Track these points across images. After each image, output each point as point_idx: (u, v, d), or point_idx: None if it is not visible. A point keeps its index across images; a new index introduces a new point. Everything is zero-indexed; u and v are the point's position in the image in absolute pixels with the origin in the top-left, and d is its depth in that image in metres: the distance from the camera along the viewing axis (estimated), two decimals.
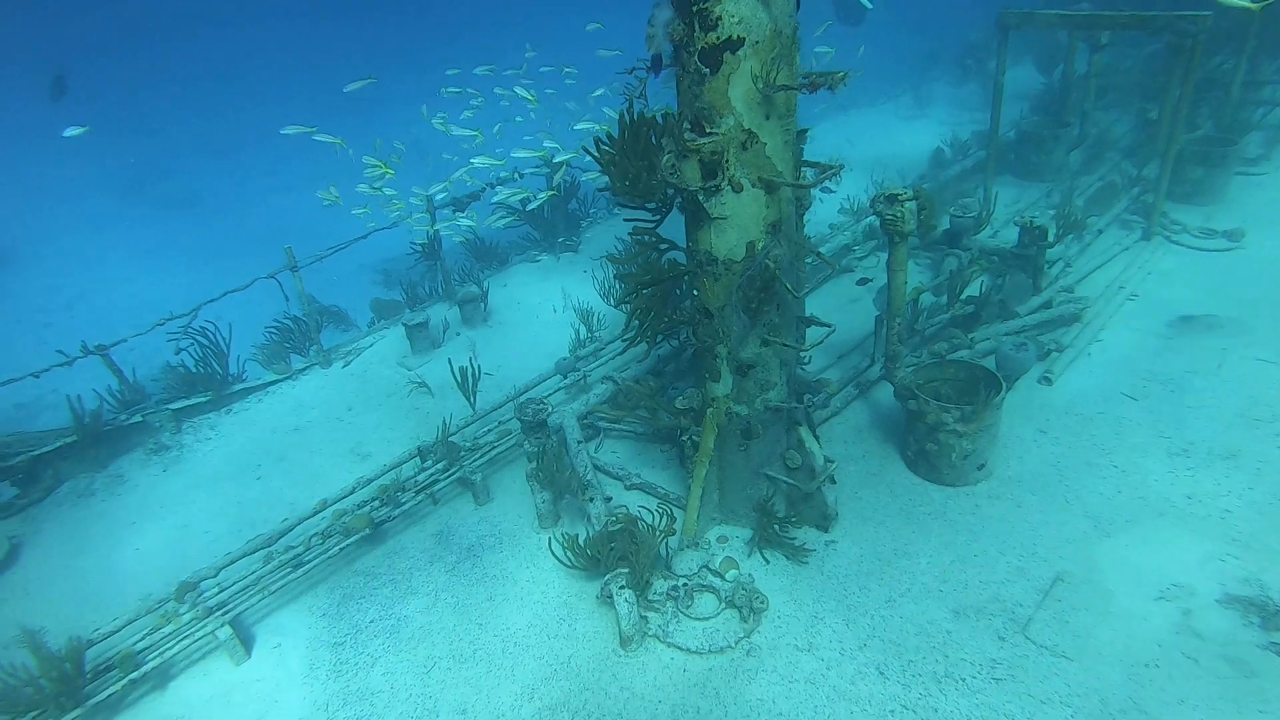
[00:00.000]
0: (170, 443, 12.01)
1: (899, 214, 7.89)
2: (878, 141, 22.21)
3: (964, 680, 6.46)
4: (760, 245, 6.68)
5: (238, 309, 13.23)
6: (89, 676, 7.60)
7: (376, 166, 12.13)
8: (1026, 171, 16.67)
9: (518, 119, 15.03)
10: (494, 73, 13.68)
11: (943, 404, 8.19)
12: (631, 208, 7.15)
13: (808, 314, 7.70)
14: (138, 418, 11.96)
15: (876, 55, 23.61)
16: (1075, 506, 8.08)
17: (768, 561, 7.86)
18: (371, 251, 17.63)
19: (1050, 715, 6.08)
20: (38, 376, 11.21)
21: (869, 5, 19.31)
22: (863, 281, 11.70)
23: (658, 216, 7.26)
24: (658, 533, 7.40)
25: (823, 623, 7.16)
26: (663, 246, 7.28)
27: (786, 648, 6.98)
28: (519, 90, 13.34)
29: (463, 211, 14.42)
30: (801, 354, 7.93)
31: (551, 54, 15.97)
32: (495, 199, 14.27)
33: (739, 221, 6.61)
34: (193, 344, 12.37)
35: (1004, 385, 8.31)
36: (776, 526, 7.82)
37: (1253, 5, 9.07)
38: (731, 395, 7.50)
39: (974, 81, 25.90)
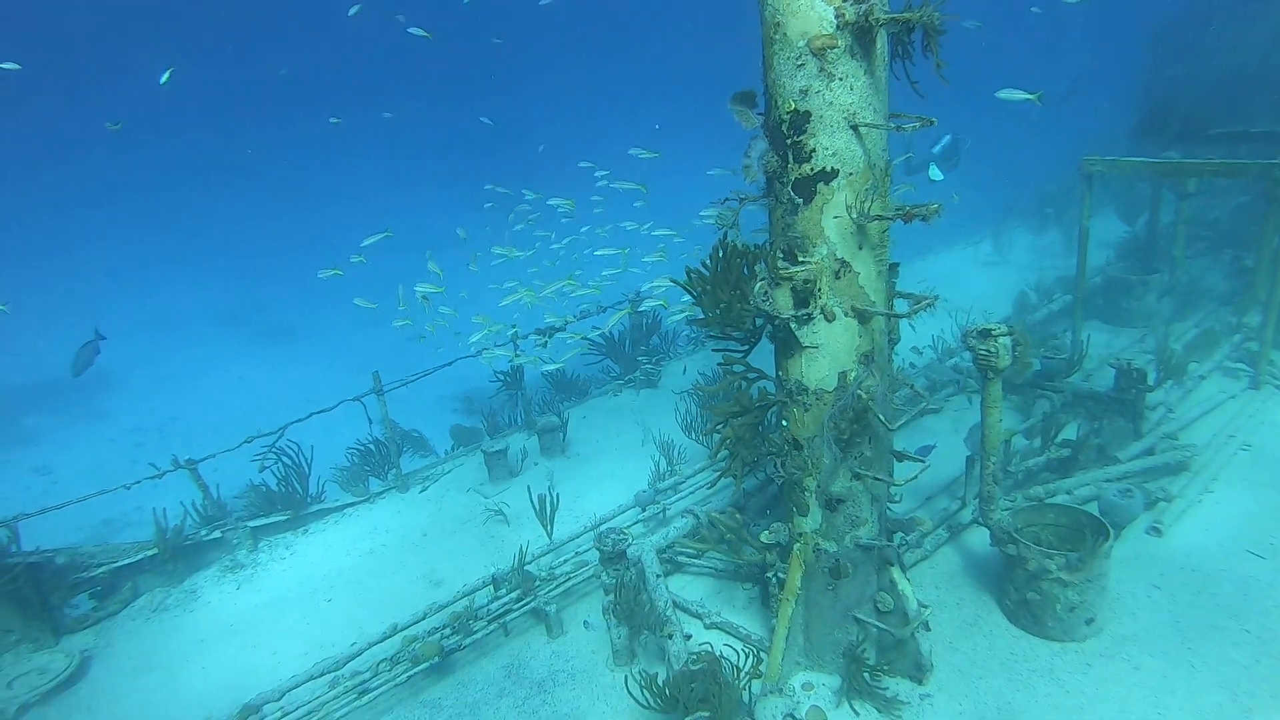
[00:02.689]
0: (246, 561, 12.06)
1: (993, 349, 7.67)
2: (959, 287, 22.07)
3: None
4: (853, 375, 6.53)
5: (321, 432, 13.44)
6: None
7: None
8: (1116, 318, 16.29)
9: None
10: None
11: (1045, 550, 7.71)
12: (720, 338, 7.11)
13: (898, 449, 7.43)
14: (217, 534, 12.09)
15: (953, 202, 23.86)
16: (1205, 674, 7.31)
17: (857, 714, 7.31)
18: (454, 380, 18.00)
19: None
20: (129, 488, 11.49)
21: (941, 176, 19.73)
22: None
23: (747, 346, 7.19)
24: (742, 674, 6.98)
25: None
26: (752, 375, 7.17)
27: None
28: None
29: (545, 344, 14.65)
30: (892, 490, 7.60)
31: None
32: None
33: (831, 351, 6.49)
34: (276, 463, 12.59)
35: (1112, 532, 7.80)
36: (867, 675, 7.32)
37: (1032, 96, 9.78)
38: (820, 531, 7.19)
39: (1054, 230, 25.81)
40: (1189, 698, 7.06)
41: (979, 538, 9.56)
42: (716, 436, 7.35)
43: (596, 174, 13.37)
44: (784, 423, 7.02)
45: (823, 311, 6.34)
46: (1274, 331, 12.49)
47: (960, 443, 11.83)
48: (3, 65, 19.39)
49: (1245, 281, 14.77)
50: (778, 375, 6.98)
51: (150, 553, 11.57)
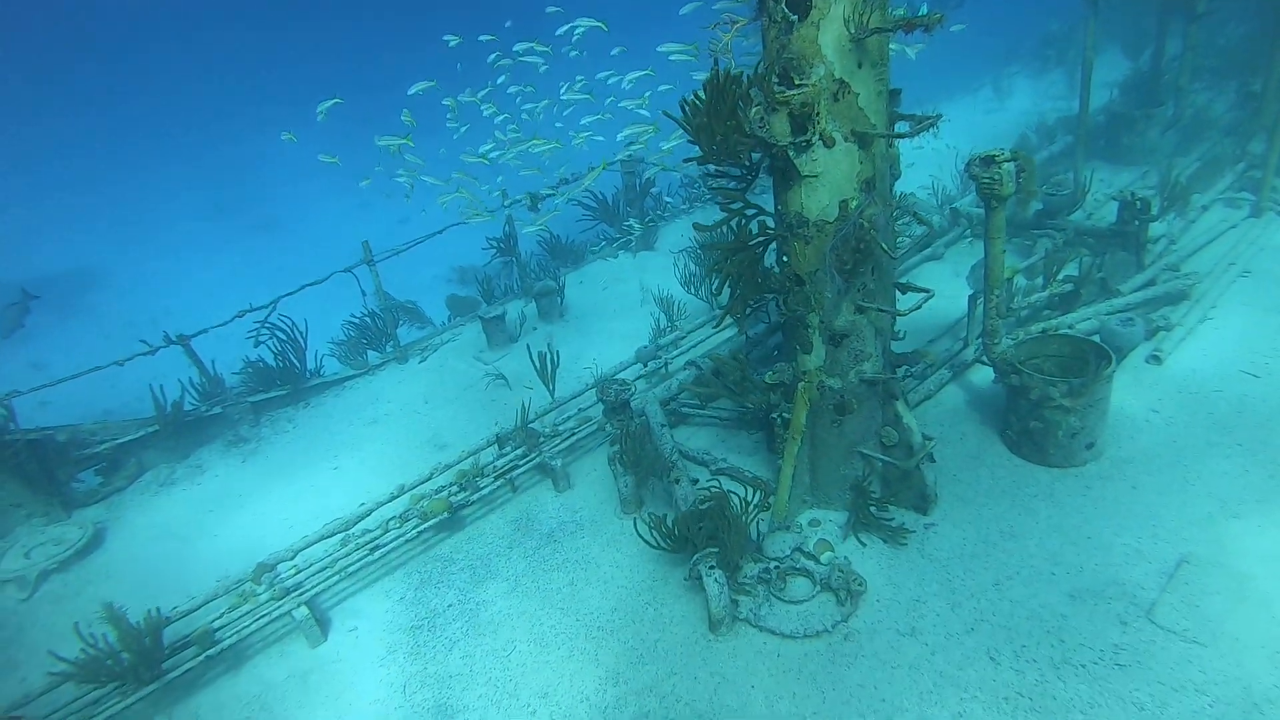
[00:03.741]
0: (249, 435, 12.12)
1: (997, 176, 7.42)
2: (958, 134, 21.52)
3: (1084, 666, 5.95)
4: (854, 204, 6.33)
5: (315, 307, 13.28)
6: (167, 652, 7.58)
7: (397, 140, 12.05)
8: (1118, 155, 15.93)
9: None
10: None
11: (1048, 377, 7.69)
12: (717, 175, 6.87)
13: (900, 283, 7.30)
14: (218, 409, 12.12)
15: (951, 51, 23.03)
16: (1197, 486, 7.45)
17: (864, 545, 7.44)
18: (446, 252, 17.77)
19: (1185, 703, 5.54)
20: (122, 364, 11.44)
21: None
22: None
23: (745, 181, 6.95)
24: (750, 509, 7.05)
25: (925, 606, 6.72)
26: (750, 211, 6.96)
27: (887, 632, 6.55)
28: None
29: (536, 209, 14.35)
30: (896, 328, 7.51)
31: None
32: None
33: (831, 179, 6.28)
34: (271, 337, 12.48)
35: (1113, 357, 7.77)
36: (873, 508, 7.41)
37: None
38: (824, 368, 7.14)
39: (1055, 71, 25.04)
40: (1181, 510, 7.22)
41: (981, 376, 9.57)
42: (718, 280, 7.21)
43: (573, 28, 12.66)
44: (784, 258, 6.86)
45: (821, 137, 6.09)
46: (1278, 157, 12.20)
47: (961, 285, 11.74)
48: None
49: (1251, 109, 14.36)
50: (777, 209, 6.78)
51: (152, 429, 11.63)
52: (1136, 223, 10.54)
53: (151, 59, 64.57)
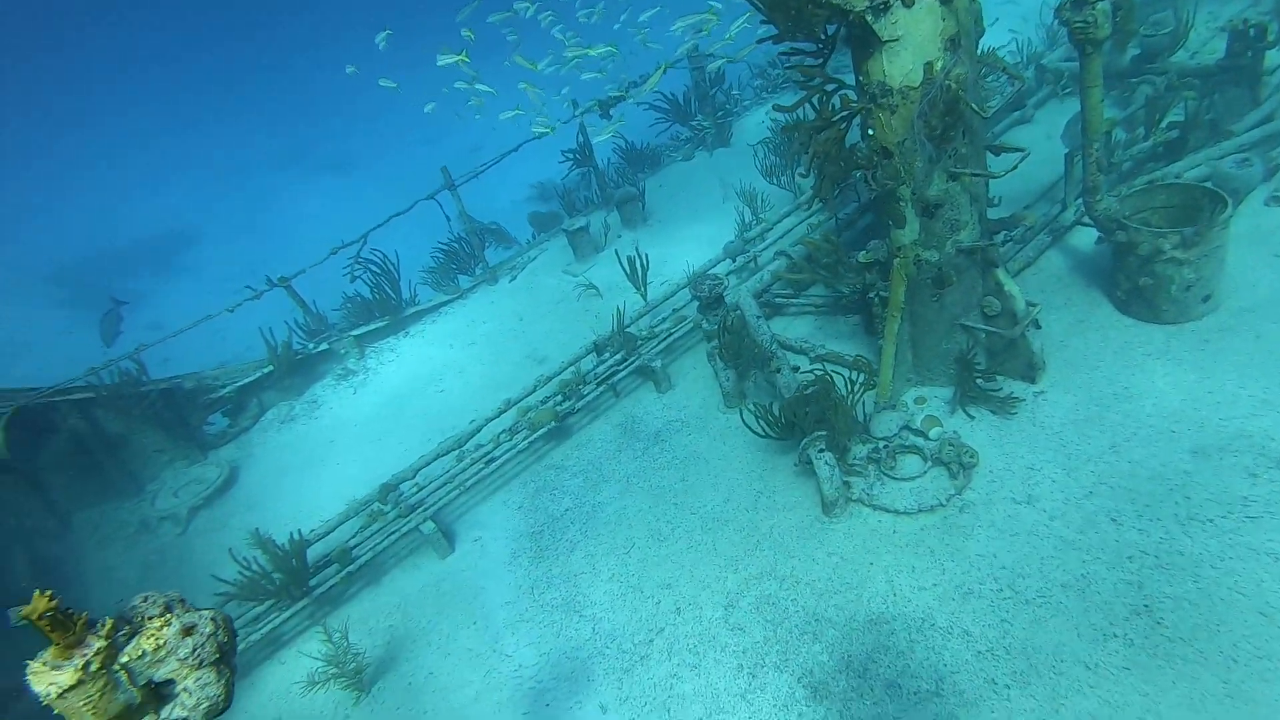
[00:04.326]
0: (356, 367, 12.61)
1: (1091, 18, 6.97)
2: None
3: (1211, 521, 5.82)
4: (939, 65, 6.05)
5: (404, 238, 13.55)
6: (312, 570, 8.14)
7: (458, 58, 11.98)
8: None
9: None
10: None
11: (1157, 229, 7.34)
12: (792, 52, 6.64)
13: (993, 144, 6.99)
14: (324, 346, 12.63)
15: None
16: None
17: (971, 418, 7.35)
18: (523, 171, 17.87)
19: None
20: (232, 311, 11.98)
21: None
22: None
23: (822, 56, 6.70)
24: (855, 390, 7.03)
25: (1040, 474, 6.64)
26: (830, 86, 6.73)
27: (1003, 501, 6.52)
28: None
29: (609, 116, 14.16)
30: (991, 193, 7.23)
31: None
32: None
33: (913, 41, 6.00)
34: (365, 271, 12.84)
35: (1229, 201, 7.33)
36: (979, 380, 7.29)
37: None
38: (919, 241, 6.96)
39: None
40: None
41: (1083, 239, 9.17)
42: (802, 164, 7.04)
43: None
44: (869, 131, 6.65)
45: None
46: None
47: (1056, 146, 11.16)
48: None
49: None
50: (858, 81, 6.53)
51: (267, 369, 12.29)
52: (1250, 53, 9.76)
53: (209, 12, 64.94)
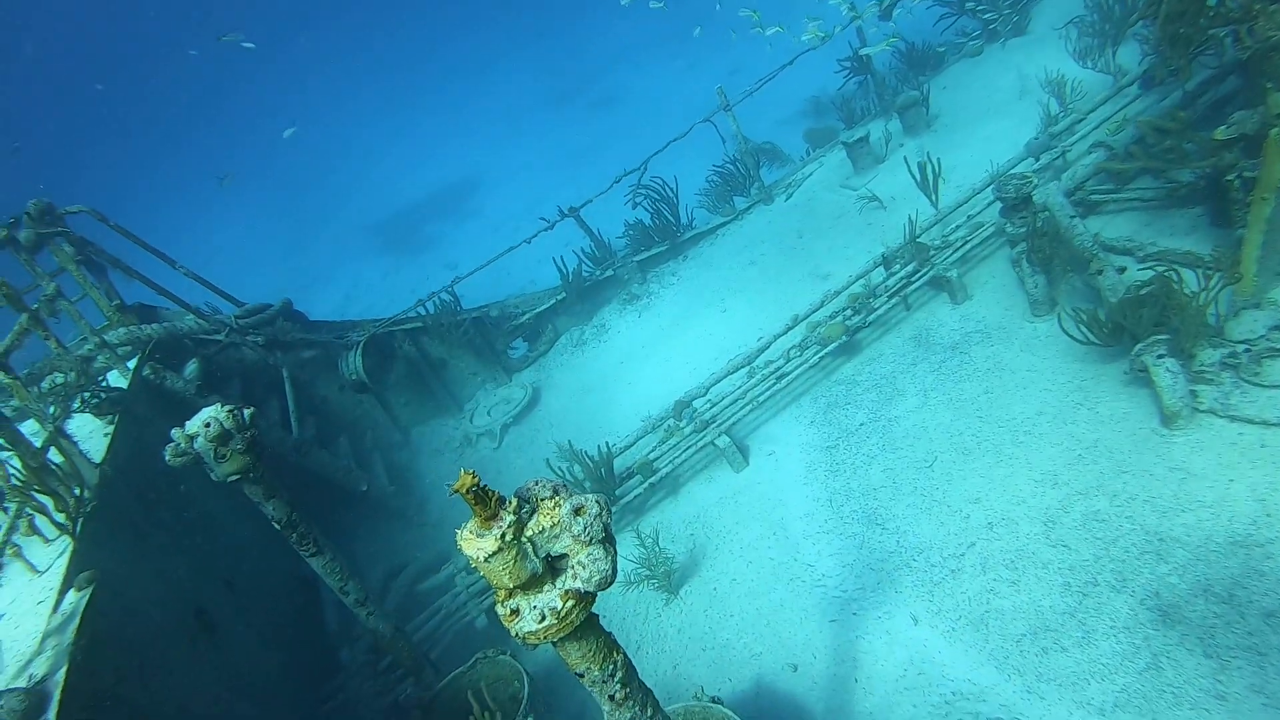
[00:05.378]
0: (640, 292, 12.89)
1: None
2: None
3: None
4: None
5: (680, 163, 13.56)
6: (618, 481, 8.45)
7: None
8: None
9: None
10: None
11: None
12: None
13: None
14: (610, 272, 13.03)
15: None
16: None
17: None
18: (796, 88, 17.34)
19: None
20: (529, 242, 12.63)
21: None
22: None
23: None
24: (1210, 286, 6.10)
25: None
26: None
27: None
28: None
29: (889, 17, 13.28)
30: None
31: None
32: None
33: None
34: (646, 198, 13.01)
35: None
36: None
37: None
38: None
39: None
40: None
41: None
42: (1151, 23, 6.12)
43: None
44: None
45: None
46: None
47: None
48: None
49: None
50: None
51: (560, 297, 12.94)
52: None
53: None
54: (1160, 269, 6.50)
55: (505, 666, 6.55)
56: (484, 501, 2.73)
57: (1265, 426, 5.71)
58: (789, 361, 8.84)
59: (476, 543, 2.74)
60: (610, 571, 2.84)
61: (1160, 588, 5.21)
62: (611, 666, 3.22)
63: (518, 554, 2.77)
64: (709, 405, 8.97)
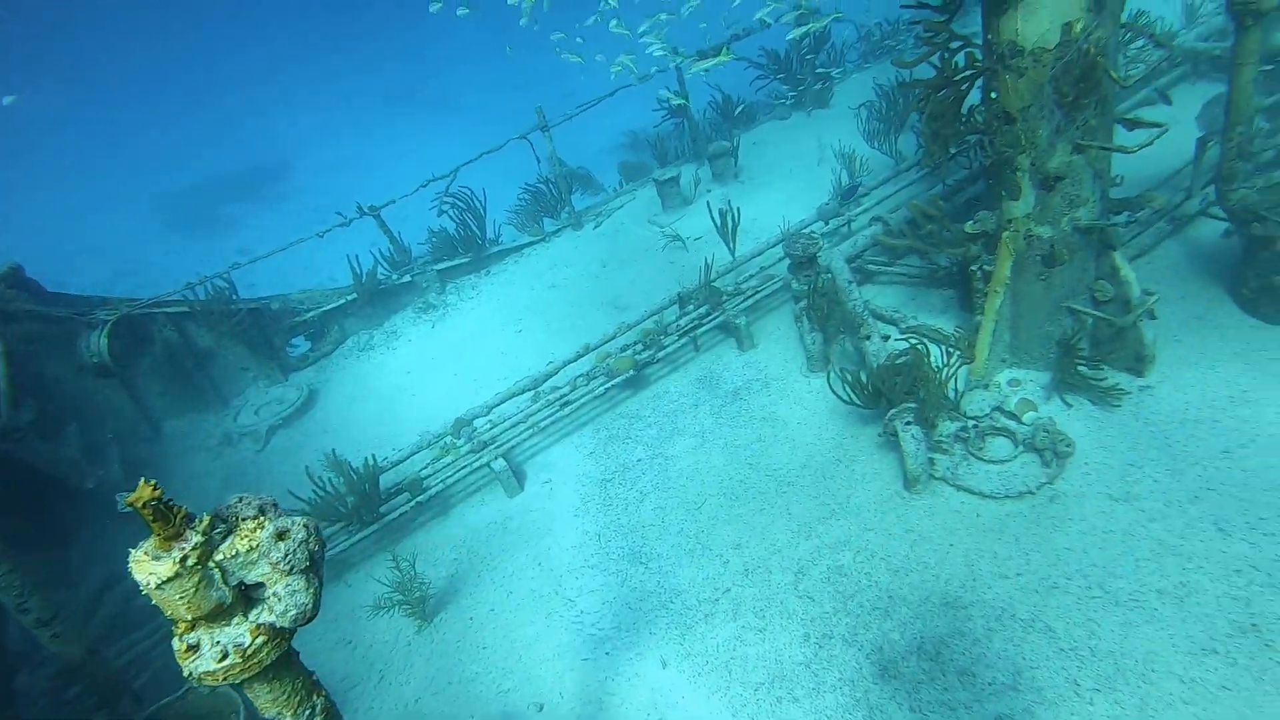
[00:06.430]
0: (436, 302, 12.68)
1: None
2: None
3: None
4: (1079, 26, 5.65)
5: (492, 177, 13.48)
6: (383, 497, 8.21)
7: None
8: None
9: None
10: None
11: None
12: (917, 5, 6.28)
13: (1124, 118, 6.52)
14: (407, 278, 12.73)
15: None
16: None
17: (1069, 406, 6.99)
18: (616, 121, 17.64)
19: None
20: (321, 236, 12.13)
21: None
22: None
23: (948, 13, 6.33)
24: (950, 364, 6.74)
25: (1141, 471, 6.28)
26: (955, 44, 6.36)
27: (1098, 496, 6.19)
28: None
29: (707, 70, 13.83)
30: (1113, 171, 6.78)
31: None
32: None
33: None
34: (453, 207, 12.82)
35: None
36: (1082, 367, 6.91)
37: None
38: (1033, 215, 6.58)
39: None
40: None
41: (1207, 231, 8.60)
42: (918, 120, 6.70)
43: None
44: (992, 94, 6.27)
45: None
46: None
47: (1184, 131, 10.48)
48: None
49: None
50: (986, 39, 6.16)
51: (350, 297, 12.46)
52: None
53: None
54: (914, 341, 7.12)
55: (222, 698, 6.07)
56: (165, 518, 2.35)
57: (981, 498, 6.37)
58: (575, 390, 8.96)
59: (149, 566, 2.34)
60: (311, 605, 2.59)
61: (884, 643, 5.66)
62: (309, 711, 2.87)
63: (200, 581, 2.41)
64: (490, 426, 8.92)
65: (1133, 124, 6.34)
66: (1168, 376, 7.05)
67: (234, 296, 11.74)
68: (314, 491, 7.93)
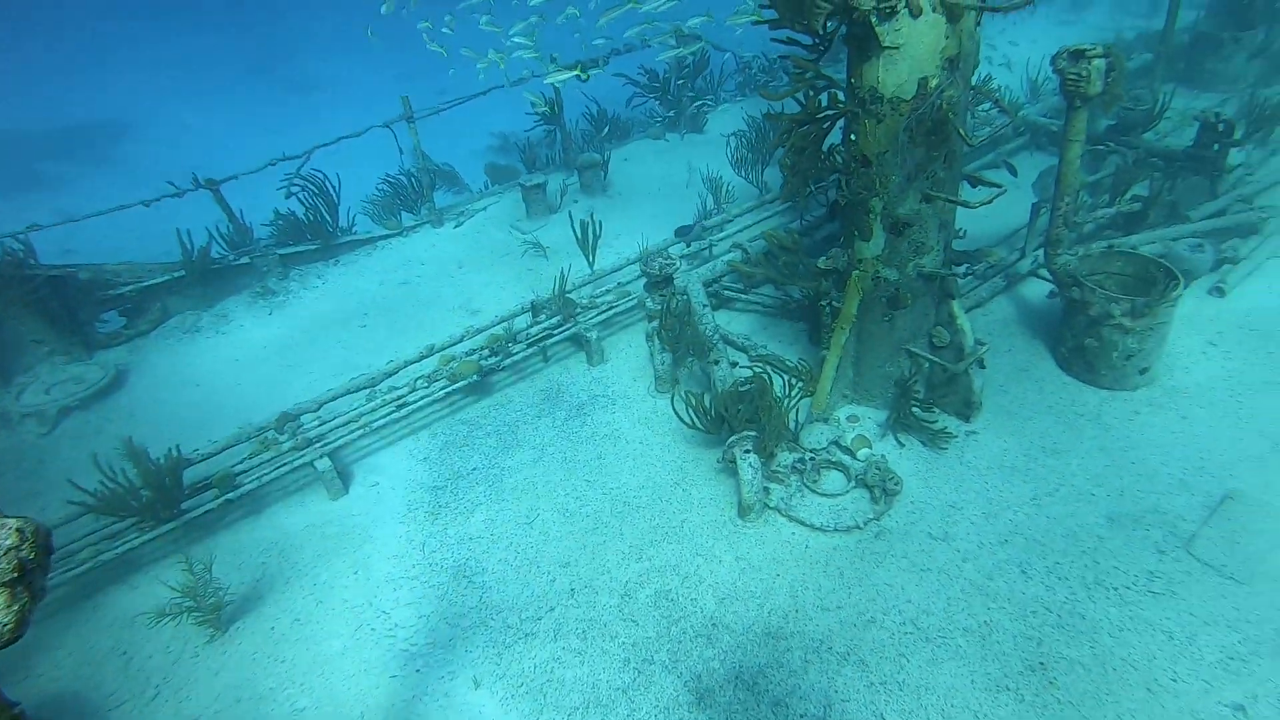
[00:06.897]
0: (277, 288, 11.95)
1: (1084, 72, 6.94)
2: (1035, 47, 20.44)
3: (1116, 590, 5.79)
4: (934, 83, 5.88)
5: (351, 163, 12.93)
6: (187, 493, 7.57)
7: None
8: (1198, 79, 14.92)
9: None
10: None
11: (1111, 294, 7.33)
12: (788, 42, 6.40)
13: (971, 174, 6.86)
14: (245, 260, 11.89)
15: None
16: (1250, 425, 7.09)
17: (902, 445, 7.25)
18: (488, 122, 17.32)
19: (1215, 637, 5.37)
20: (148, 205, 11.20)
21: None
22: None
23: (818, 52, 6.46)
24: (792, 396, 6.85)
25: (960, 513, 6.56)
26: (820, 83, 6.51)
27: (920, 534, 6.42)
28: None
29: (585, 78, 13.78)
30: (957, 225, 7.12)
31: None
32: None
33: (913, 53, 5.81)
34: (303, 190, 12.11)
35: (1182, 280, 7.36)
36: (916, 409, 7.18)
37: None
38: (882, 257, 6.80)
39: None
40: (1231, 446, 6.88)
41: (1035, 291, 9.20)
42: (781, 153, 6.81)
43: None
44: (852, 136, 6.45)
45: (908, 3, 5.60)
46: None
47: (1023, 195, 11.20)
48: None
49: None
50: (849, 83, 6.32)
51: (178, 274, 11.43)
52: (1216, 146, 9.89)
53: None
54: (760, 370, 7.21)
55: None
56: None
57: (812, 530, 6.49)
58: (415, 391, 8.60)
59: None
60: (12, 624, 2.24)
61: (703, 671, 5.63)
62: None
63: None
64: (319, 423, 8.41)
65: (976, 181, 6.66)
66: (991, 424, 7.44)
67: (32, 261, 10.52)
68: (101, 483, 7.18)
